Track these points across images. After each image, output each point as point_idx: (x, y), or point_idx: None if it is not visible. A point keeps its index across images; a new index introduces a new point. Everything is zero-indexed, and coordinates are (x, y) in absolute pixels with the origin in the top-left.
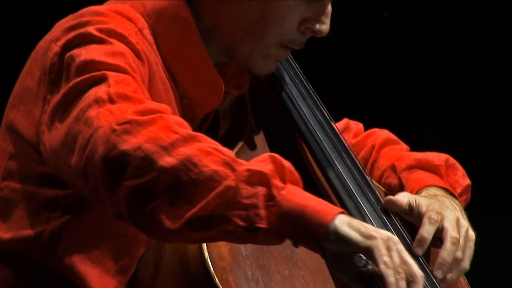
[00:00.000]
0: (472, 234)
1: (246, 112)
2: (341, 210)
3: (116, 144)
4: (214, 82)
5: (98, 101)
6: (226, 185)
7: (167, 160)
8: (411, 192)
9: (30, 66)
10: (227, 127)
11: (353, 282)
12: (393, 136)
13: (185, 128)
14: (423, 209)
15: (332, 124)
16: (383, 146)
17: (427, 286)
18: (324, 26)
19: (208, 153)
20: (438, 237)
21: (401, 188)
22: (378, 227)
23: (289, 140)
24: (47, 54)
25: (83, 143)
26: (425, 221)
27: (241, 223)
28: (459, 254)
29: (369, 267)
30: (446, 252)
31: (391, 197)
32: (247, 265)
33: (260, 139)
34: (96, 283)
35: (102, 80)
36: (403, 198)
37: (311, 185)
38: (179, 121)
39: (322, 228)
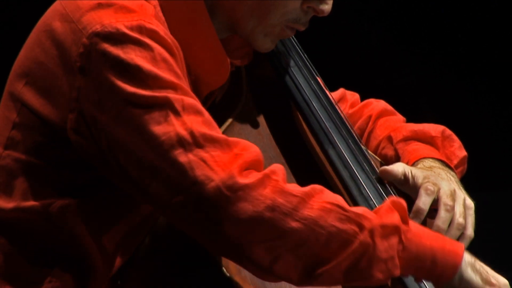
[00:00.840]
0: (470, 202)
1: (242, 81)
2: (462, 245)
3: (232, 213)
4: (220, 60)
5: (182, 143)
6: (362, 242)
7: (292, 226)
8: (407, 163)
9: (38, 37)
10: (223, 95)
11: None
12: (389, 107)
13: (284, 175)
14: (419, 180)
15: (328, 94)
16: (380, 116)
17: None
18: (327, 6)
19: (329, 211)
20: (435, 209)
21: (397, 159)
22: (373, 196)
23: (283, 110)
24: (68, 36)
25: (172, 184)
26: (422, 192)
27: (380, 276)
28: (460, 220)
29: None
30: (440, 220)
31: (386, 166)
32: None
33: (254, 108)
34: (100, 258)
35: (166, 104)
36: (398, 168)
37: (306, 156)
38: (284, 176)
39: (453, 270)
